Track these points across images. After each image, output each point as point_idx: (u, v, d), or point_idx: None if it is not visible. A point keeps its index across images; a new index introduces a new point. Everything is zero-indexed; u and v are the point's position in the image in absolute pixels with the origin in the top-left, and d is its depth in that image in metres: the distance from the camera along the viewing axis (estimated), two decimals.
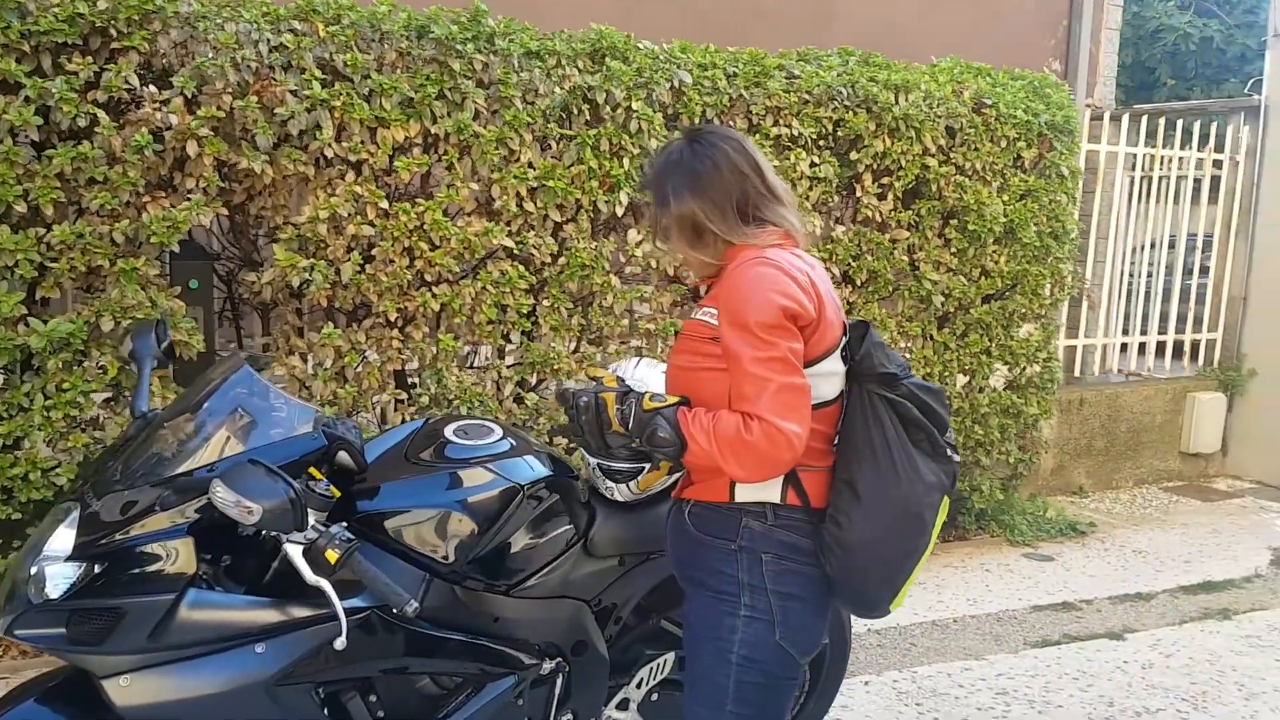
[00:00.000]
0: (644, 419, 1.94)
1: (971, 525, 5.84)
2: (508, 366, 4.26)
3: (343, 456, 2.13)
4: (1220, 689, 4.00)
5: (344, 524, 1.99)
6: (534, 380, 4.33)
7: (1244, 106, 7.39)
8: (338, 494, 2.06)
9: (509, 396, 4.25)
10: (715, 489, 2.03)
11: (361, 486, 2.19)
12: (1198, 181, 7.32)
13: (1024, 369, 5.71)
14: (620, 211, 4.27)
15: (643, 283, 4.46)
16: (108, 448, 2.27)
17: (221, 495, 1.78)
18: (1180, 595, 5.09)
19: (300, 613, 2.02)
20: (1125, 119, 6.99)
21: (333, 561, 1.92)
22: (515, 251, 4.10)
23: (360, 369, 3.86)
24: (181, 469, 1.97)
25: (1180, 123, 7.12)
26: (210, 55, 3.44)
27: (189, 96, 3.43)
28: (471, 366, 4.31)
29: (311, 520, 1.96)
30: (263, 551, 2.08)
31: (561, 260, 4.20)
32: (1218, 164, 7.35)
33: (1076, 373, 7.02)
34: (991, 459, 5.70)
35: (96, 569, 1.92)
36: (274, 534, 1.90)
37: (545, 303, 4.22)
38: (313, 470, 2.06)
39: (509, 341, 4.26)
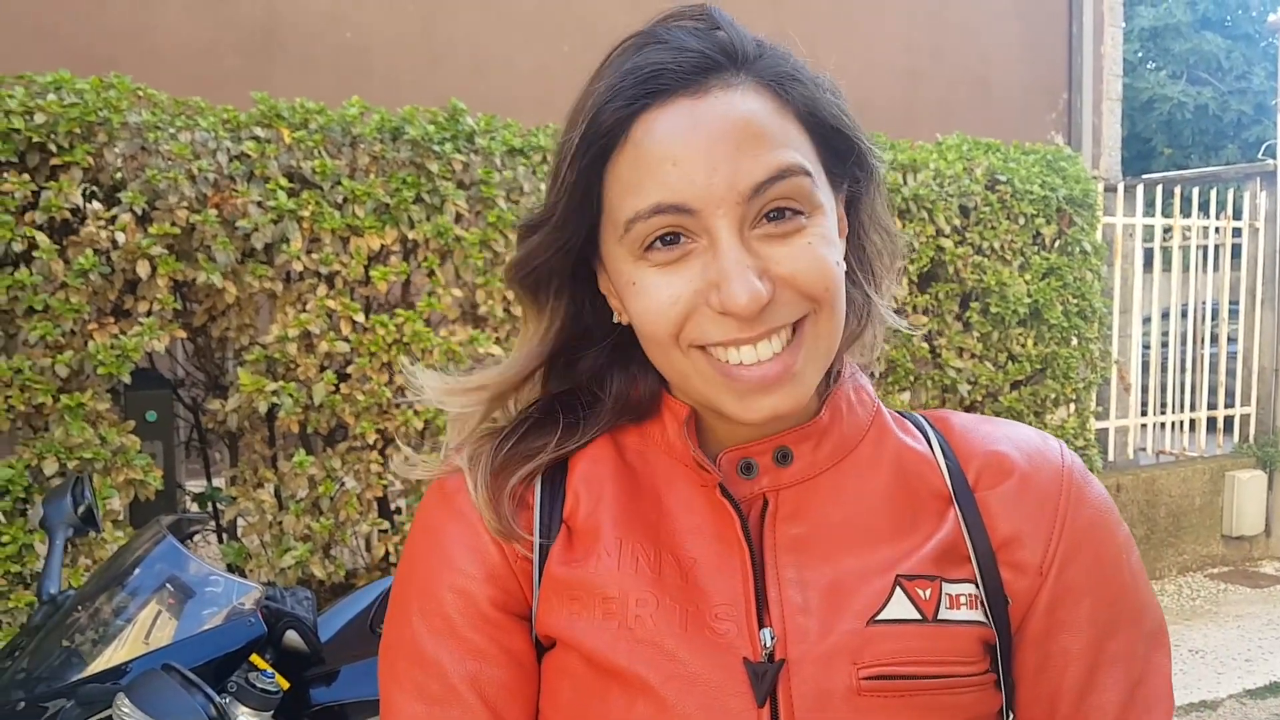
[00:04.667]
0: None
1: None
2: None
3: (291, 636, 1.76)
4: None
5: None
6: None
7: (1259, 172, 7.12)
8: (286, 685, 1.68)
9: None
10: None
11: (317, 671, 1.81)
12: (1216, 249, 7.02)
13: None
14: None
15: None
16: (11, 641, 1.90)
17: (127, 716, 1.41)
18: (1248, 700, 4.64)
19: None
20: (1140, 190, 6.72)
21: None
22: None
23: (337, 498, 3.49)
24: (89, 671, 1.60)
25: (1180, 190, 6.85)
26: (163, 167, 3.15)
27: (139, 213, 3.13)
28: None
29: None
30: None
31: None
32: (1235, 231, 7.06)
33: (1110, 456, 6.63)
34: None
35: None
36: None
37: None
38: (255, 659, 1.69)
39: None
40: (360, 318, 3.43)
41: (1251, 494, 6.85)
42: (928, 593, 0.78)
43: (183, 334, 3.30)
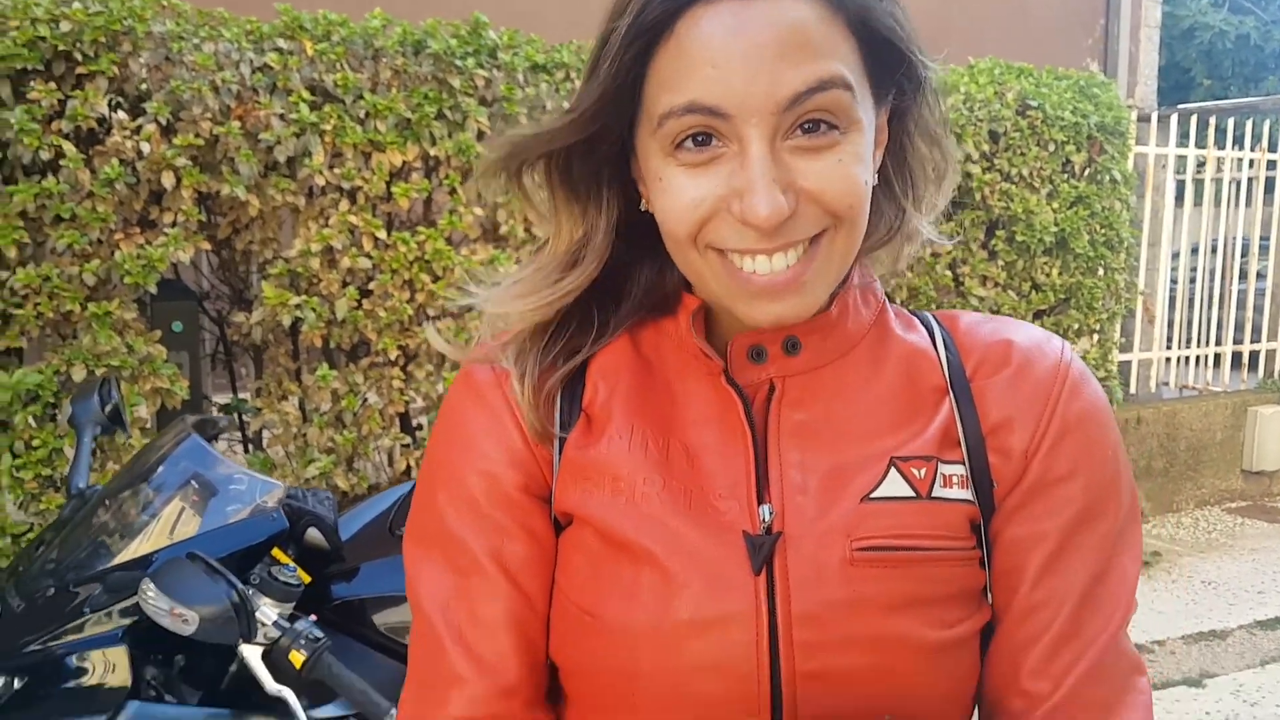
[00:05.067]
0: None
1: None
2: None
3: (313, 534, 1.81)
4: None
5: (313, 618, 1.66)
6: None
7: None
8: (307, 579, 1.74)
9: None
10: None
11: (337, 569, 1.86)
12: (1249, 182, 6.91)
13: None
14: None
15: None
16: (40, 534, 1.97)
17: (153, 600, 1.46)
18: (1258, 631, 4.68)
19: None
20: (1174, 120, 6.59)
21: (298, 665, 1.60)
22: None
23: (360, 413, 3.54)
24: (116, 561, 1.65)
25: (1215, 121, 6.71)
26: (187, 78, 3.15)
27: (164, 124, 3.14)
28: None
29: (274, 615, 1.63)
30: (221, 651, 1.76)
31: None
32: (1270, 164, 6.94)
33: (1132, 389, 6.61)
34: None
35: (16, 683, 1.60)
36: None
37: None
38: (277, 553, 1.74)
39: None
40: (382, 234, 3.44)
41: (1273, 429, 6.82)
42: (923, 472, 0.79)
43: (207, 246, 3.33)
